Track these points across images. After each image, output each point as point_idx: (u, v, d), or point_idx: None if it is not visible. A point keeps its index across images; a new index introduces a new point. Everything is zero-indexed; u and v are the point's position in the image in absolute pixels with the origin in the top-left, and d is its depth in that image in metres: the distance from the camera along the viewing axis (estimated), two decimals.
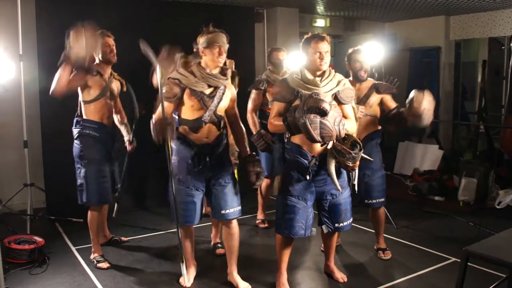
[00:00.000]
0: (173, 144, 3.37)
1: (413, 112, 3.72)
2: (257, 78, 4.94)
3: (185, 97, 3.26)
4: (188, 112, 3.27)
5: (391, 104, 4.01)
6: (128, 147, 4.29)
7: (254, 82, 4.81)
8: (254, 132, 4.41)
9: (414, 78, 7.93)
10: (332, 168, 3.17)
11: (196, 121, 3.27)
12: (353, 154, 3.06)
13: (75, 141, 3.88)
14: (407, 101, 3.78)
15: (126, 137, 4.27)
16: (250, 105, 4.72)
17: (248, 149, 3.51)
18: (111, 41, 3.91)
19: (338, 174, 3.29)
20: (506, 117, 6.52)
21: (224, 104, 3.36)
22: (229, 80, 3.40)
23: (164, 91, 3.21)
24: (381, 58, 5.19)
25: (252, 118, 4.67)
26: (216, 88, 3.30)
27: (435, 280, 3.69)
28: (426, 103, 3.70)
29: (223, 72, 3.34)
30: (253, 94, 4.72)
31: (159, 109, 3.19)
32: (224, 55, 3.27)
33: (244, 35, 6.36)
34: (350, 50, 4.05)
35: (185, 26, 5.57)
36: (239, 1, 6.10)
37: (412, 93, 3.78)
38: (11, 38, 4.95)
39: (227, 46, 3.28)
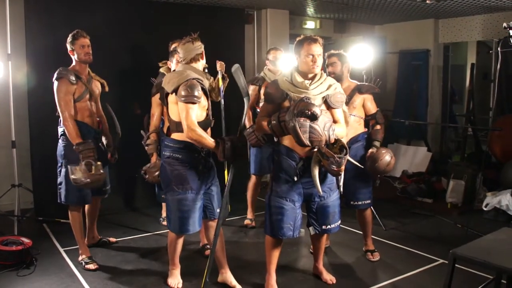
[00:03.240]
0: (175, 154, 3.31)
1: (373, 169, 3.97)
2: (255, 75, 5.05)
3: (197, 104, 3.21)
4: (199, 113, 3.22)
5: (370, 107, 4.07)
6: (110, 158, 4.24)
7: (252, 78, 4.91)
8: (248, 126, 4.46)
9: (403, 81, 7.98)
10: (316, 171, 3.17)
11: (206, 121, 3.27)
12: (337, 158, 3.03)
13: (59, 139, 3.88)
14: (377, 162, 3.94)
15: (109, 148, 4.20)
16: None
17: None
18: (86, 41, 3.85)
19: (326, 177, 3.31)
20: (493, 120, 6.57)
21: None
22: None
23: (196, 93, 3.12)
24: (371, 60, 5.21)
25: (247, 113, 4.69)
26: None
27: (423, 282, 3.72)
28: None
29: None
30: (250, 90, 4.75)
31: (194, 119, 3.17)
32: None
33: (234, 37, 6.38)
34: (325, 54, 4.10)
35: (176, 27, 5.55)
36: (229, 2, 6.10)
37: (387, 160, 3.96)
38: None
39: None
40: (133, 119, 4.50)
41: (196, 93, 3.10)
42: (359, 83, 4.09)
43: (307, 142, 2.95)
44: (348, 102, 3.94)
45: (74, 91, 3.79)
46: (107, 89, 4.15)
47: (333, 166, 3.06)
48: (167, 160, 3.31)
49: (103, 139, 4.15)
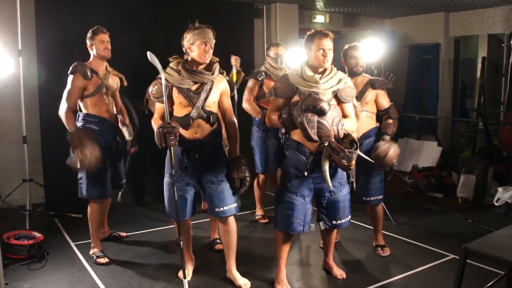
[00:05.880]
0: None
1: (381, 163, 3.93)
2: (256, 69, 4.95)
3: (174, 94, 3.27)
4: (177, 109, 3.28)
5: (383, 101, 4.03)
6: (130, 150, 4.31)
7: (252, 72, 4.83)
8: (259, 117, 4.55)
9: (413, 75, 7.94)
10: (326, 166, 3.16)
11: (184, 117, 3.26)
12: (347, 153, 3.02)
13: None
14: (376, 151, 3.91)
15: (128, 138, 4.29)
16: (246, 94, 4.72)
17: (237, 149, 3.48)
18: (106, 37, 3.87)
19: (336, 172, 3.30)
20: (505, 114, 6.52)
21: (213, 99, 3.34)
22: (216, 74, 3.35)
23: (151, 91, 3.28)
24: (381, 54, 5.18)
25: (251, 105, 4.68)
26: (202, 84, 3.30)
27: (433, 277, 3.70)
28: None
29: (209, 67, 3.31)
30: (250, 83, 4.73)
31: (156, 116, 3.30)
32: (211, 51, 3.25)
33: (243, 31, 6.37)
34: (346, 46, 4.05)
35: (184, 22, 5.56)
36: None
37: (384, 148, 3.92)
38: (10, 33, 4.94)
39: (213, 41, 3.26)
40: (142, 116, 4.51)
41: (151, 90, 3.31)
42: (372, 78, 4.05)
43: (315, 137, 2.94)
44: (360, 97, 3.93)
45: (87, 86, 3.81)
46: (125, 83, 4.17)
47: (343, 161, 3.05)
48: None
49: (125, 131, 4.24)
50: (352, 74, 3.95)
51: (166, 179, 3.43)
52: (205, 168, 3.37)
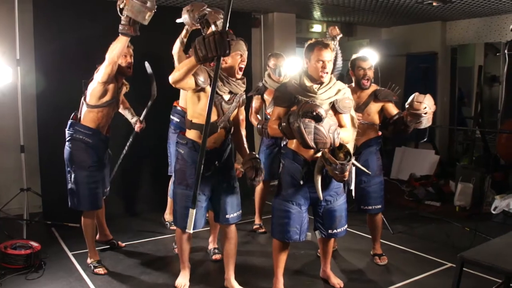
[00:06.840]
0: (180, 149, 3.37)
1: (413, 111, 3.72)
2: (257, 84, 4.99)
3: (204, 98, 3.17)
4: (202, 116, 3.14)
5: (393, 110, 3.96)
6: (137, 127, 4.35)
7: (254, 88, 4.87)
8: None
9: (410, 84, 7.95)
10: (318, 176, 3.16)
11: (210, 126, 3.22)
12: (339, 165, 3.02)
13: (67, 143, 3.83)
14: (408, 102, 3.78)
15: (133, 119, 4.35)
16: (250, 110, 4.76)
17: (247, 150, 3.49)
18: (129, 51, 3.78)
19: (332, 181, 3.30)
20: (501, 122, 6.53)
21: (236, 110, 3.38)
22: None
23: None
24: (378, 63, 5.20)
25: (255, 119, 4.70)
26: (234, 95, 3.30)
27: (431, 286, 3.70)
28: (427, 103, 3.72)
29: (241, 80, 3.31)
30: (253, 99, 4.78)
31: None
32: (245, 63, 3.25)
33: None
34: (353, 56, 4.03)
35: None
36: (236, 6, 6.11)
37: (413, 95, 3.79)
38: (9, 43, 4.95)
39: (247, 53, 3.27)
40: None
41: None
42: (376, 88, 4.00)
43: (311, 143, 2.93)
44: (363, 109, 3.92)
45: (107, 90, 3.70)
46: (128, 88, 4.09)
47: (336, 172, 3.05)
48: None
49: (127, 113, 4.32)
50: (359, 87, 3.95)
51: (181, 191, 3.34)
52: (219, 176, 3.38)
